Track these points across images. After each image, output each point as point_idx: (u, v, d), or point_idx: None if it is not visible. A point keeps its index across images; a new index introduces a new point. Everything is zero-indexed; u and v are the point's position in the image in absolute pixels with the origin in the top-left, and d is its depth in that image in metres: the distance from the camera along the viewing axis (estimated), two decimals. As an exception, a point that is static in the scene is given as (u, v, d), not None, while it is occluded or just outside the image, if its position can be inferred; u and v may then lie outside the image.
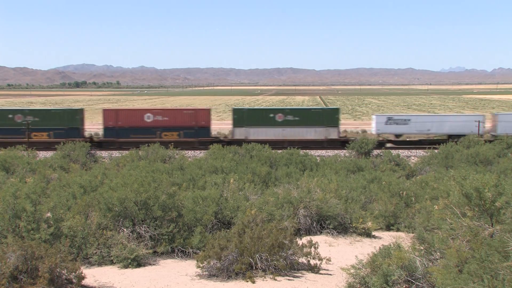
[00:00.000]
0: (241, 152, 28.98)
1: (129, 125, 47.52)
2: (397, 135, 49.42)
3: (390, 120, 48.93)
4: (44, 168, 25.59)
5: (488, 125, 51.05)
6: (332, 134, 47.85)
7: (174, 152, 31.05)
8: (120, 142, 46.87)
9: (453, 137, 46.12)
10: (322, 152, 43.84)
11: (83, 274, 8.36)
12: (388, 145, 46.75)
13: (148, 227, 11.29)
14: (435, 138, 47.71)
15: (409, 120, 49.05)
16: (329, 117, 48.49)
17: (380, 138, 48.23)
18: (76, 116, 48.51)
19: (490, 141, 38.74)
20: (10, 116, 48.24)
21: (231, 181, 14.68)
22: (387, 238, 12.90)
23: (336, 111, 49.79)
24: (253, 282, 9.06)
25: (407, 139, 50.31)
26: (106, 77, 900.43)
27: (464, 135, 44.04)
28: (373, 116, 51.69)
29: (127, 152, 31.50)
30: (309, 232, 13.18)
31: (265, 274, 9.37)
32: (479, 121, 47.21)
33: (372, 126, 50.44)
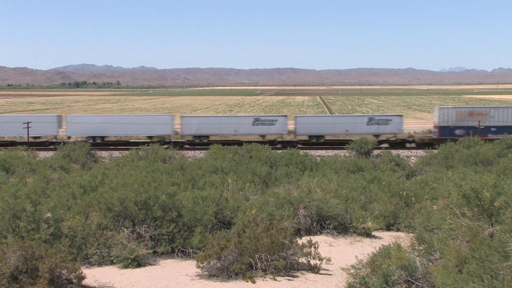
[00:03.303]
0: (241, 152, 28.99)
1: None
2: None
3: None
4: (44, 168, 25.60)
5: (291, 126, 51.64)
6: None
7: (174, 152, 31.09)
8: None
9: None
10: (323, 152, 43.87)
11: (83, 274, 8.37)
12: None
13: (148, 227, 11.30)
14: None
15: None
16: None
17: None
18: None
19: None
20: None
21: (229, 181, 14.68)
22: (387, 238, 12.90)
23: None
24: (253, 282, 9.07)
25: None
26: (106, 77, 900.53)
27: None
28: None
29: (127, 152, 31.53)
30: (309, 232, 13.19)
31: (265, 274, 9.37)
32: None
33: None
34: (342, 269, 8.96)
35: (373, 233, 13.64)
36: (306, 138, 49.36)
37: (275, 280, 9.17)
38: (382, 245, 8.74)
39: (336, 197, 14.05)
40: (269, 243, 9.53)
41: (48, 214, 10.64)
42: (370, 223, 13.43)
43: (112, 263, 10.57)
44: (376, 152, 38.35)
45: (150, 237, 11.23)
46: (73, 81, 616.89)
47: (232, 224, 12.07)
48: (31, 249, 8.00)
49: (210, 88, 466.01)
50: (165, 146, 46.44)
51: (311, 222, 13.33)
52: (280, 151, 29.90)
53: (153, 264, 10.71)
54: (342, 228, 13.51)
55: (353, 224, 13.48)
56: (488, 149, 29.34)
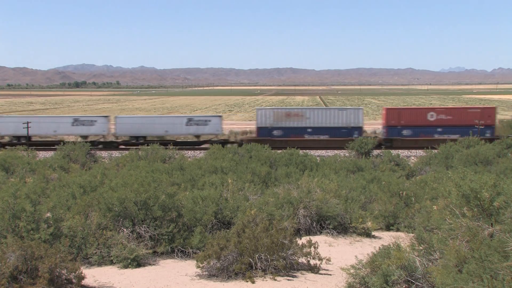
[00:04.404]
0: (241, 152, 28.99)
1: None
2: None
3: None
4: (44, 168, 25.59)
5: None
6: None
7: (174, 152, 31.10)
8: None
9: None
10: (322, 152, 43.90)
11: (83, 274, 8.36)
12: None
13: (148, 227, 11.30)
14: None
15: None
16: None
17: None
18: None
19: None
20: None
21: (229, 181, 14.68)
22: (387, 238, 12.90)
23: None
24: (253, 282, 9.07)
25: None
26: (106, 77, 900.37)
27: None
28: None
29: (127, 152, 31.50)
30: (309, 232, 13.19)
31: (265, 274, 9.37)
32: None
33: None
34: (342, 269, 8.96)
35: (373, 233, 13.63)
36: (127, 138, 49.18)
37: (275, 280, 9.17)
38: (382, 245, 8.74)
39: (336, 197, 14.05)
40: (269, 243, 9.53)
41: (48, 214, 10.65)
42: (370, 223, 13.43)
43: (112, 263, 10.57)
44: (376, 152, 38.35)
45: (150, 237, 11.23)
46: (73, 81, 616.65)
47: (232, 224, 12.07)
48: (30, 249, 8.00)
49: (210, 88, 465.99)
50: None
51: (311, 222, 13.33)
52: (280, 151, 29.86)
53: (153, 264, 10.70)
54: (342, 228, 13.51)
55: (353, 224, 13.47)
56: (488, 149, 29.37)
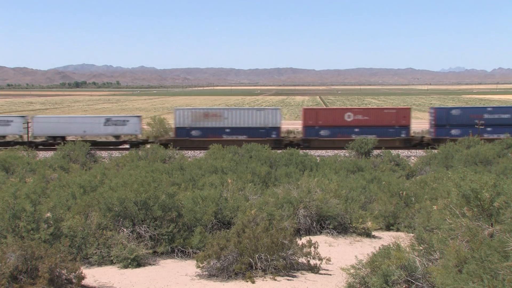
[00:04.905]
0: (241, 152, 29.00)
1: None
2: None
3: None
4: (44, 168, 25.59)
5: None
6: None
7: (174, 152, 31.13)
8: None
9: None
10: (322, 152, 43.93)
11: (83, 274, 8.37)
12: None
13: (148, 227, 11.30)
14: None
15: None
16: None
17: None
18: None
19: None
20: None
21: (229, 181, 14.68)
22: (387, 238, 12.90)
23: None
24: (253, 282, 9.07)
25: None
26: (106, 77, 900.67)
27: None
28: None
29: (127, 152, 31.53)
30: (309, 232, 13.19)
31: (265, 274, 9.38)
32: None
33: None
34: (342, 269, 8.96)
35: (373, 233, 13.64)
36: (44, 138, 48.67)
37: (275, 280, 9.17)
38: (382, 245, 8.74)
39: (336, 197, 14.05)
40: (269, 243, 9.53)
41: (48, 214, 10.65)
42: (370, 223, 13.43)
43: (112, 263, 10.58)
44: (376, 152, 38.35)
45: (150, 237, 11.23)
46: (73, 81, 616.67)
47: (232, 224, 12.07)
48: (30, 249, 8.00)
49: (210, 88, 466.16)
50: None
51: (311, 222, 13.33)
52: (280, 151, 29.87)
53: (153, 264, 10.71)
54: (342, 228, 13.51)
55: (353, 224, 13.48)
56: (488, 149, 29.36)
